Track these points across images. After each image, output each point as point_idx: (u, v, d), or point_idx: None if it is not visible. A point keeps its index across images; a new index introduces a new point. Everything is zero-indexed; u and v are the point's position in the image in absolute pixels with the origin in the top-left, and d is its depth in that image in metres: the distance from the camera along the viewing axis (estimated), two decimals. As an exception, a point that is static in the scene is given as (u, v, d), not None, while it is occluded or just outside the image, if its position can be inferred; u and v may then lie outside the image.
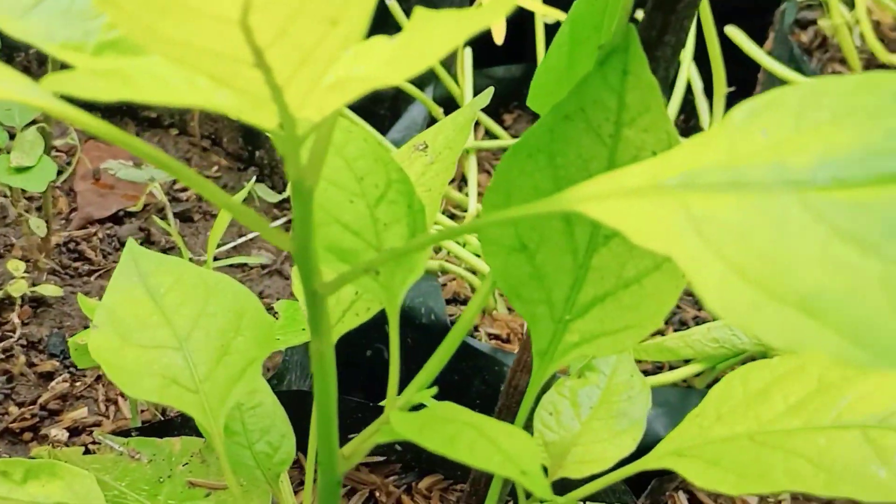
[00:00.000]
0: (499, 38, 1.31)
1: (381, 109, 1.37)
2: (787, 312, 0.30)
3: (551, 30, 1.33)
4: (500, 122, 1.52)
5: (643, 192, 0.35)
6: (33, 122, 0.97)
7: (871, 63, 1.29)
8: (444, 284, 1.14)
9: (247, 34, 0.29)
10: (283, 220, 1.28)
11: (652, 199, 0.34)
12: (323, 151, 0.39)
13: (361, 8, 0.31)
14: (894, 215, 0.31)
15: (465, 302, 1.20)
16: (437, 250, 1.15)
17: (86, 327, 1.01)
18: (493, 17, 0.33)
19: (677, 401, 1.10)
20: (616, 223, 0.34)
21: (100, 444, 0.71)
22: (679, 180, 0.34)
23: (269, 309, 1.10)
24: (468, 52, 1.33)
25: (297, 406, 0.72)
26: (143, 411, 0.94)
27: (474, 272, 1.10)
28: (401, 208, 0.49)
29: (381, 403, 0.96)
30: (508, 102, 1.57)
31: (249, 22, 0.29)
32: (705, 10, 1.04)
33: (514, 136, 1.44)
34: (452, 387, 0.95)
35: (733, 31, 1.23)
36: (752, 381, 0.51)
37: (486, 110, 1.40)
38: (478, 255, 1.12)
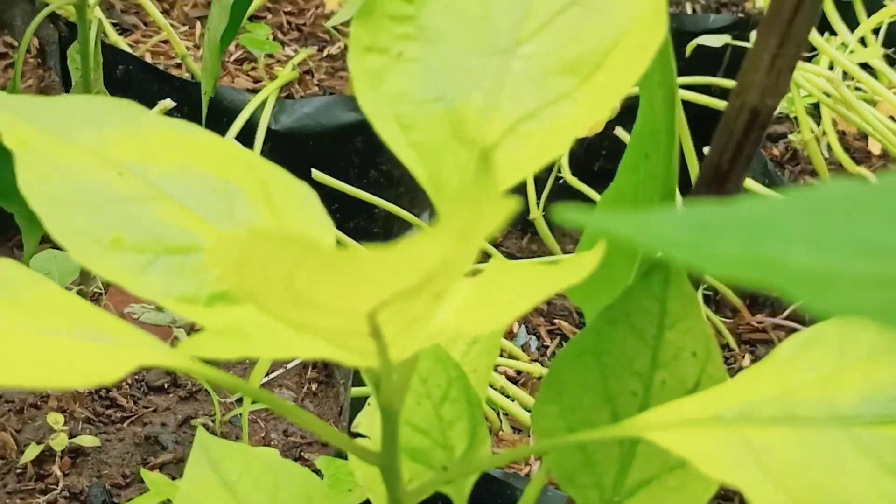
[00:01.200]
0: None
1: (374, 227, 1.42)
2: (845, 545, 0.34)
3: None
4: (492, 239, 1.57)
5: (704, 424, 0.39)
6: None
7: (840, 173, 1.35)
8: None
9: (370, 320, 0.34)
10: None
11: (713, 431, 0.38)
12: (408, 377, 0.43)
13: (457, 277, 0.35)
14: (932, 451, 0.35)
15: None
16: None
17: (124, 476, 1.05)
18: (572, 278, 0.37)
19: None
20: (682, 452, 0.38)
21: None
22: (736, 413, 0.38)
23: (297, 446, 1.14)
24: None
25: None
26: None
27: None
28: (461, 405, 0.53)
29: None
30: (499, 222, 1.62)
31: (375, 314, 0.33)
32: (685, 134, 1.10)
33: (506, 254, 1.48)
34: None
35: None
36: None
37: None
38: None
